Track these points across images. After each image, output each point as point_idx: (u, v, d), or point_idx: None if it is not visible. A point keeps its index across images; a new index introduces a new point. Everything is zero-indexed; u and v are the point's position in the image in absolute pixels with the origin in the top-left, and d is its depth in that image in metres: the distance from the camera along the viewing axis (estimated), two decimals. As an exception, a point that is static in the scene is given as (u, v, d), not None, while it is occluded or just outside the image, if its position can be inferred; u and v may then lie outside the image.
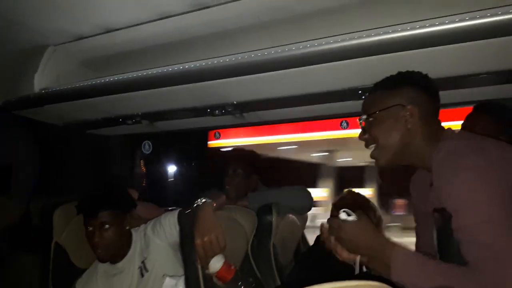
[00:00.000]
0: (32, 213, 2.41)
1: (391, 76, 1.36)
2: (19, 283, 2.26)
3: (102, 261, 1.84)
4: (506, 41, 1.25)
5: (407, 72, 1.36)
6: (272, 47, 1.48)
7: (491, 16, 1.15)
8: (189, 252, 1.72)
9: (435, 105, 1.32)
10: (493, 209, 1.03)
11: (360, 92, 1.69)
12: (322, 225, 1.34)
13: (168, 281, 1.74)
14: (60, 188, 2.90)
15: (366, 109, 1.37)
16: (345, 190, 2.00)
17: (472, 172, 1.07)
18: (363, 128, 1.36)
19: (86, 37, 1.79)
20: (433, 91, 1.32)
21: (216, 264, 1.60)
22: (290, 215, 2.23)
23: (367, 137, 1.34)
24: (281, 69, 1.54)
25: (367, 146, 1.35)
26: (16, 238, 2.41)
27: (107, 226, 1.79)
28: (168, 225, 1.81)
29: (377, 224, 1.85)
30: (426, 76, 1.33)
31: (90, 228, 1.79)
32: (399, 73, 1.36)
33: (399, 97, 1.29)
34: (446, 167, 1.13)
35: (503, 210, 1.03)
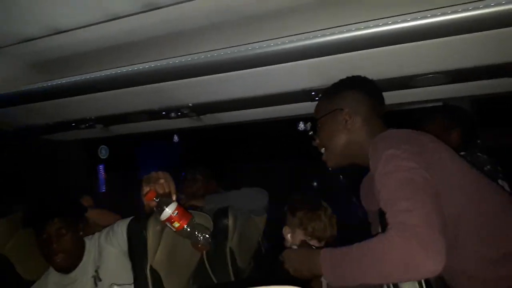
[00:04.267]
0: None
1: (335, 83, 1.44)
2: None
3: (59, 269, 1.78)
4: (452, 41, 1.30)
5: (349, 77, 1.44)
6: (226, 47, 1.48)
7: (431, 17, 1.19)
8: (138, 259, 1.68)
9: (377, 106, 1.39)
10: (414, 180, 1.05)
11: (313, 93, 1.71)
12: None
13: None
14: (9, 197, 2.78)
15: (315, 115, 1.45)
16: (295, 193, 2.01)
17: (393, 149, 1.12)
18: (313, 134, 1.45)
19: (34, 39, 1.72)
20: (375, 93, 1.40)
21: (168, 210, 1.37)
22: (248, 217, 2.22)
23: (317, 142, 1.43)
24: (235, 70, 1.55)
25: (319, 150, 1.43)
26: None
27: (63, 232, 1.74)
28: (120, 232, 1.77)
29: (330, 222, 1.89)
30: (367, 79, 1.42)
31: (43, 237, 1.73)
32: (341, 80, 1.44)
33: (339, 102, 1.37)
34: (373, 150, 1.19)
35: (423, 183, 1.05)
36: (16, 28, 1.67)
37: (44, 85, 1.76)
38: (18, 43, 1.78)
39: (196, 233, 1.42)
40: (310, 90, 1.72)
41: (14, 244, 2.01)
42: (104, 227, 1.94)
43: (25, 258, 1.98)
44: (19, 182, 2.70)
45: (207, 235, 1.44)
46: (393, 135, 1.22)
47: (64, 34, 1.66)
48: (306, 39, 1.35)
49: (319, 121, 1.40)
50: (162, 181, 1.35)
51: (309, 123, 1.49)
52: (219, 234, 1.93)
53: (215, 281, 1.88)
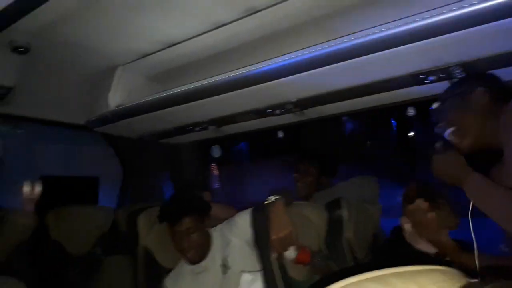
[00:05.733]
0: (119, 220, 2.60)
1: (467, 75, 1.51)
2: (113, 284, 2.47)
3: (194, 262, 1.94)
4: None
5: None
6: (327, 41, 1.48)
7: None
8: (263, 248, 1.77)
9: (501, 90, 1.40)
10: None
11: (422, 76, 1.63)
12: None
13: (245, 276, 1.81)
14: (141, 195, 3.11)
15: (440, 98, 1.49)
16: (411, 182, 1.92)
17: None
18: (439, 117, 1.46)
19: (150, 54, 1.91)
20: (495, 81, 1.43)
21: (291, 253, 1.71)
22: (362, 206, 2.19)
23: (443, 124, 1.43)
24: (338, 62, 1.54)
25: (443, 132, 1.43)
26: (108, 244, 2.62)
27: (192, 230, 1.89)
28: (242, 224, 1.88)
29: (451, 210, 1.78)
30: (485, 73, 1.48)
31: (177, 234, 1.91)
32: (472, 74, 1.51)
33: (468, 86, 1.41)
34: None
35: None
36: (133, 46, 1.87)
37: (162, 95, 1.93)
38: (137, 59, 2.00)
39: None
40: (418, 73, 1.63)
41: (153, 236, 2.25)
42: (223, 219, 2.08)
43: (163, 248, 2.20)
44: (148, 181, 3.01)
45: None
46: None
47: (175, 47, 1.82)
48: (412, 22, 1.30)
49: (448, 100, 1.44)
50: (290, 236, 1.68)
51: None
52: (334, 225, 1.93)
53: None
